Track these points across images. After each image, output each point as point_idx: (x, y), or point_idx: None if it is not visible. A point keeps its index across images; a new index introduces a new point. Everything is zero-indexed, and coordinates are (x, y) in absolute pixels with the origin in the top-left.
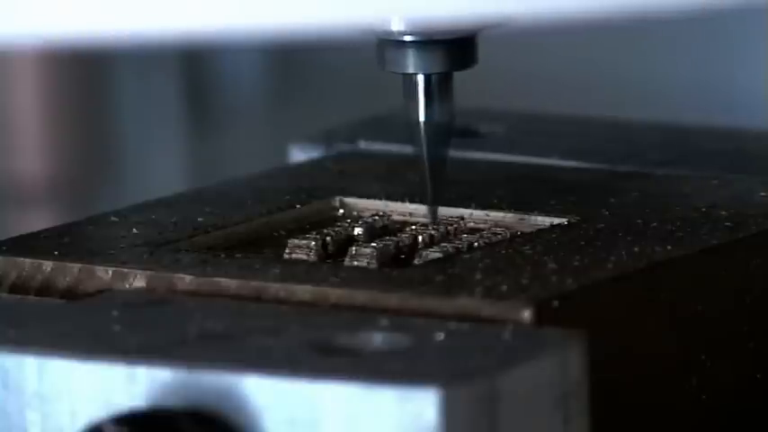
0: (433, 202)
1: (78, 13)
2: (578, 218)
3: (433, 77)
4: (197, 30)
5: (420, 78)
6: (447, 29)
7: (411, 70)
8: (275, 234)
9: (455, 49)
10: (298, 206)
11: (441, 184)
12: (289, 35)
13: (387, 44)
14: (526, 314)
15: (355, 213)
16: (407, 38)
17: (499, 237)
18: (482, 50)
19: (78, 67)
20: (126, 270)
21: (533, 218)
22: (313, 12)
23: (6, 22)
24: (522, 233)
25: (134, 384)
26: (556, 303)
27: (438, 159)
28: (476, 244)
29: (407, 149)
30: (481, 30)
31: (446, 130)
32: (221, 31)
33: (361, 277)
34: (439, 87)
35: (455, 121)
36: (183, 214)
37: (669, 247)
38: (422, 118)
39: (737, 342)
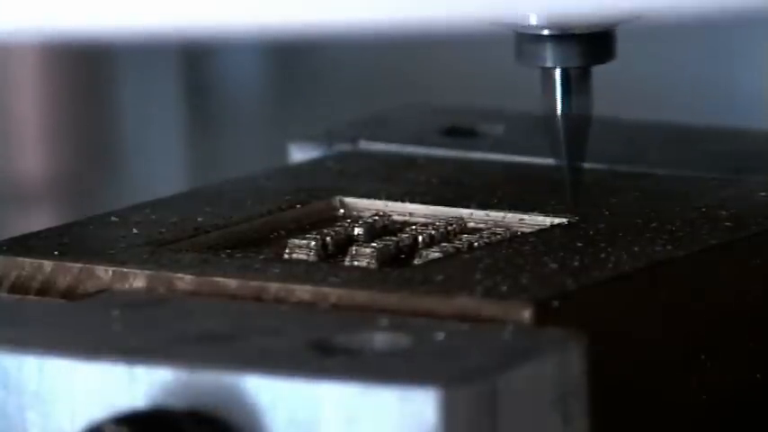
0: (573, 197)
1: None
2: (578, 218)
3: (571, 71)
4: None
5: (557, 72)
6: (585, 23)
7: (549, 64)
8: (275, 234)
9: (593, 43)
10: (298, 206)
11: (579, 181)
12: (425, 29)
13: (524, 38)
14: (526, 314)
15: (355, 213)
16: (545, 32)
17: (499, 237)
18: (482, 50)
19: (79, 68)
20: (126, 270)
21: (533, 218)
22: (453, 5)
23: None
24: (522, 233)
25: (134, 384)
26: (556, 303)
27: (577, 154)
28: (476, 244)
29: (407, 149)
30: (619, 24)
31: (585, 125)
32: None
33: (360, 277)
34: (577, 82)
35: (592, 117)
36: (183, 214)
37: (669, 247)
38: (559, 111)
39: (737, 342)
